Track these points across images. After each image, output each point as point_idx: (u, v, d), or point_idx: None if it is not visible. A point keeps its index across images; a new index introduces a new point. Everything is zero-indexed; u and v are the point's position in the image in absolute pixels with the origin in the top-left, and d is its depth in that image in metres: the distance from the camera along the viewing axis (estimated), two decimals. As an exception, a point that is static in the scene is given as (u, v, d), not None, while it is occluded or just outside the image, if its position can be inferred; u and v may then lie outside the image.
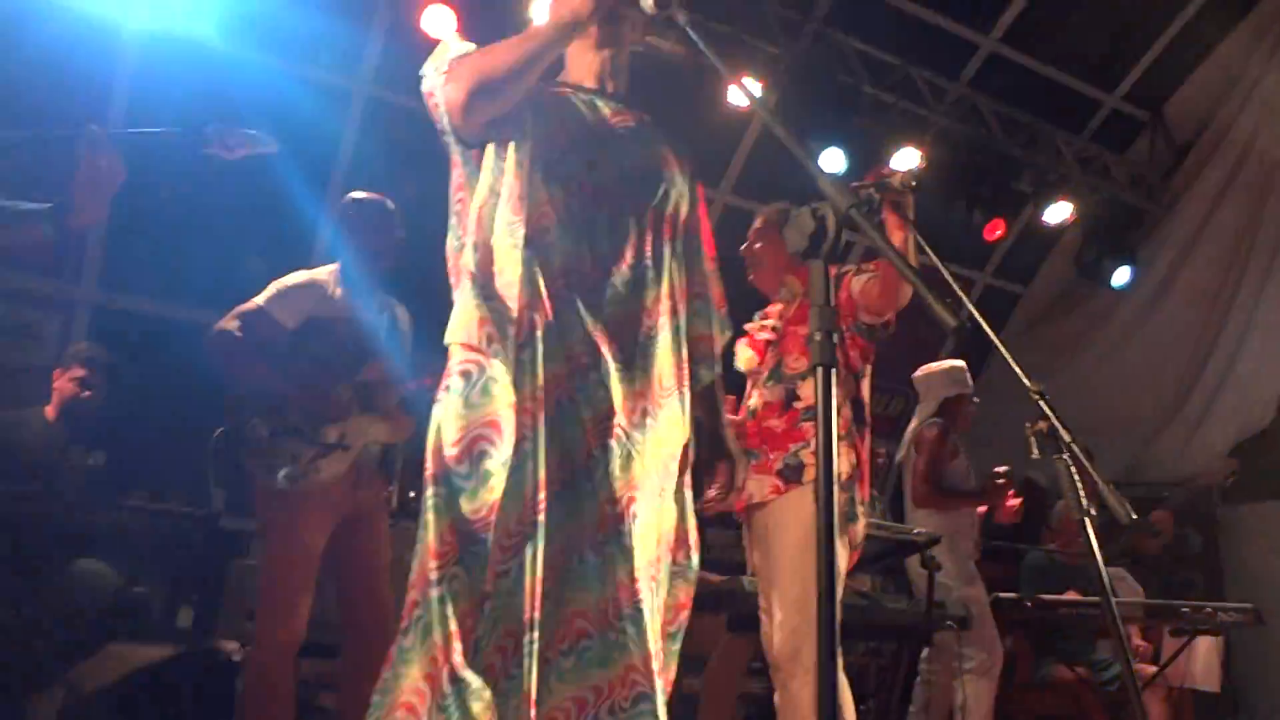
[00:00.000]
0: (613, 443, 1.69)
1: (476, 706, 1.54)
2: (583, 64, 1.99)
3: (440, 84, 1.83)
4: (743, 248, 3.07)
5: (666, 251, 1.87)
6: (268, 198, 5.29)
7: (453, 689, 1.56)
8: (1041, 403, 1.73)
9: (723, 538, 4.30)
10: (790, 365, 2.87)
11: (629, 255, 1.80)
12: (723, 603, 3.53)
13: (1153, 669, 4.45)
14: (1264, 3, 6.37)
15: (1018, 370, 1.70)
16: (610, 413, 1.70)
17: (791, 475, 2.73)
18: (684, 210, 1.95)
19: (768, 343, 2.95)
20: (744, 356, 3.00)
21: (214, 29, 4.55)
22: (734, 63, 5.11)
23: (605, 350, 1.73)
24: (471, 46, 1.85)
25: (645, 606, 1.64)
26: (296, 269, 3.12)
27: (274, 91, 5.05)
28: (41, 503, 3.30)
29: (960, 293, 1.86)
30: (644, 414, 1.75)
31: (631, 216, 1.83)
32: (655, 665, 1.61)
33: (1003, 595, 4.12)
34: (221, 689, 3.90)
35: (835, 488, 2.58)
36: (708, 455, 2.07)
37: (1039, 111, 6.25)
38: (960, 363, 4.49)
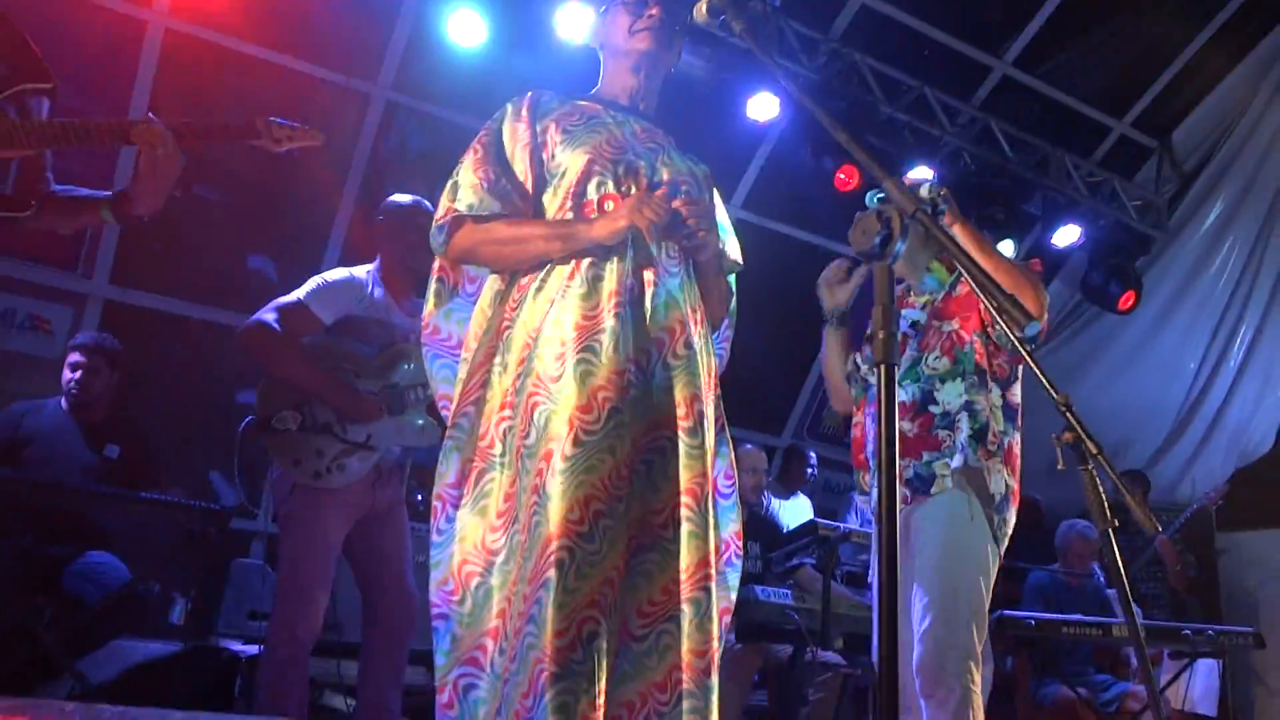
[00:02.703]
0: (664, 447, 1.76)
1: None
2: (618, 82, 2.05)
3: (441, 223, 1.92)
4: None
5: (688, 269, 1.93)
6: (280, 197, 5.32)
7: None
8: (1068, 414, 1.72)
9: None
10: (930, 365, 2.58)
11: (657, 273, 1.85)
12: (733, 612, 3.54)
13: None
14: (1267, 40, 6.46)
15: (1044, 381, 1.69)
16: (657, 423, 1.76)
17: (921, 486, 2.50)
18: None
19: (905, 336, 2.66)
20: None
21: (239, 25, 4.56)
22: (752, 80, 5.15)
23: (654, 360, 1.79)
24: (485, 205, 1.88)
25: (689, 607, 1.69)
26: (305, 268, 3.12)
27: (294, 90, 5.07)
28: (54, 493, 3.27)
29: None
30: (700, 416, 1.80)
31: (658, 235, 1.86)
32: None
33: (1007, 613, 4.13)
34: (221, 686, 3.89)
35: (989, 508, 2.45)
36: None
37: (1050, 135, 6.31)
38: None
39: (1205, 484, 6.55)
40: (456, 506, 1.80)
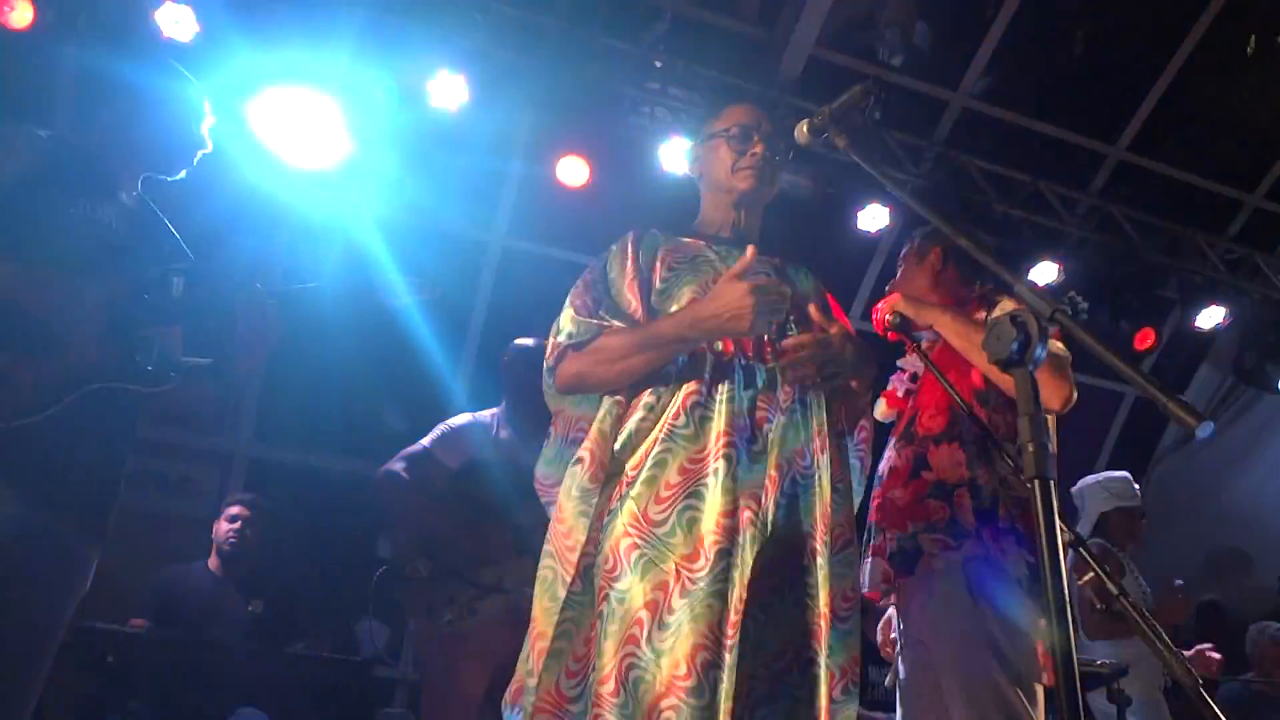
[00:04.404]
0: (780, 587, 1.68)
1: None
2: (718, 215, 2.00)
3: (549, 364, 1.92)
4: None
5: (811, 393, 1.83)
6: (405, 348, 5.51)
7: None
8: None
9: (882, 675, 4.06)
10: (923, 424, 2.33)
11: (781, 401, 1.78)
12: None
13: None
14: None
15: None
16: (772, 564, 1.66)
17: (904, 563, 2.22)
18: None
19: (907, 393, 2.46)
20: (880, 407, 2.49)
21: (364, 195, 4.81)
22: (859, 193, 5.15)
23: (768, 497, 1.69)
24: (585, 329, 1.85)
25: None
26: (432, 417, 3.18)
27: (413, 248, 5.29)
28: (204, 652, 3.35)
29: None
30: (813, 555, 1.70)
31: (776, 366, 1.81)
32: None
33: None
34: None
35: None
36: None
37: (1177, 216, 6.05)
38: (1122, 474, 4.17)
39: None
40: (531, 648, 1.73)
